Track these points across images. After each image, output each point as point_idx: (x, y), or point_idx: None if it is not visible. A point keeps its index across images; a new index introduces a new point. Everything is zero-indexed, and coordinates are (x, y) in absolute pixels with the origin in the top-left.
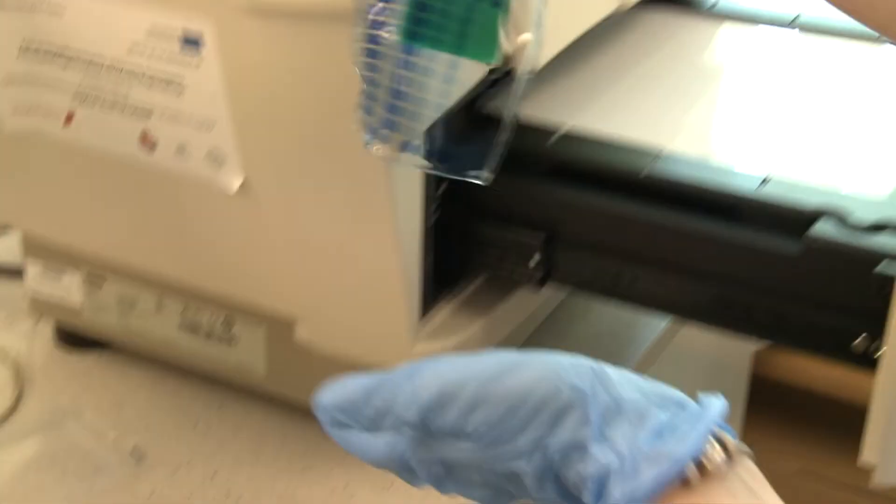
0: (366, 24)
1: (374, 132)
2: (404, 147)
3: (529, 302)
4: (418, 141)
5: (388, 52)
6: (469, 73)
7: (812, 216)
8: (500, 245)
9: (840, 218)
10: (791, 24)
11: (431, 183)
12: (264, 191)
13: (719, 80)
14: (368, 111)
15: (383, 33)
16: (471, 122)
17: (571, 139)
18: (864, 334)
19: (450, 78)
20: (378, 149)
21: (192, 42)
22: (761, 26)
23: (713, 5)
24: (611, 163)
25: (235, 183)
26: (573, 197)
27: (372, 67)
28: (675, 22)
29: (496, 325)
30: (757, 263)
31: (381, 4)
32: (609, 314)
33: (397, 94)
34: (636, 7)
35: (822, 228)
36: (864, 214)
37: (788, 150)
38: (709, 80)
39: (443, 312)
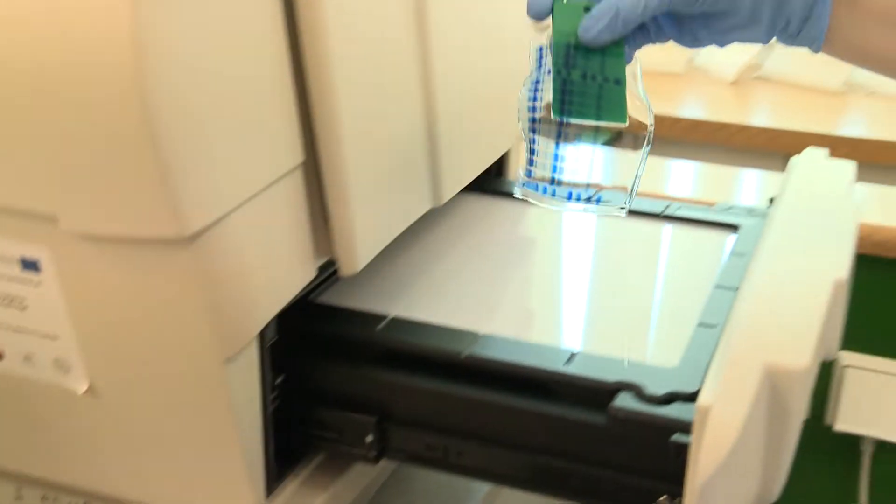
0: (527, 106)
1: (531, 185)
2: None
3: (371, 470)
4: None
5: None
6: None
7: (613, 390)
8: (337, 427)
9: (637, 391)
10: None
11: (269, 375)
12: (110, 392)
13: (531, 258)
14: (529, 169)
15: (538, 113)
16: (303, 312)
17: (398, 325)
18: (665, 495)
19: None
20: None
21: (30, 265)
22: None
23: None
24: (434, 347)
25: (82, 387)
26: (401, 381)
27: (532, 137)
28: (490, 205)
29: (340, 497)
30: (568, 434)
31: (534, 93)
32: None
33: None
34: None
35: (622, 401)
36: (658, 387)
37: (593, 324)
38: (522, 259)
39: (288, 490)
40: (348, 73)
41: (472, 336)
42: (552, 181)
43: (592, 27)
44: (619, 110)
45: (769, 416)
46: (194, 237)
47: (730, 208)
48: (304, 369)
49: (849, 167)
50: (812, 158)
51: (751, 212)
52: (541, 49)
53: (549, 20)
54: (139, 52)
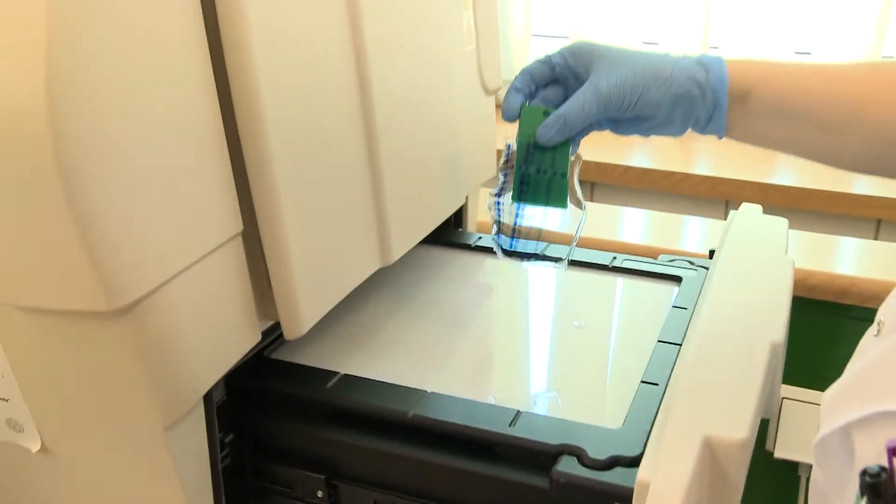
0: (493, 195)
1: (503, 251)
2: (525, 258)
3: None
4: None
5: (506, 207)
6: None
7: (556, 453)
8: (289, 483)
9: (579, 455)
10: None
11: (217, 434)
12: (62, 452)
13: (483, 312)
14: (498, 240)
15: (503, 199)
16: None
17: (348, 383)
18: None
19: (543, 219)
20: (504, 257)
21: None
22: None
23: (477, 240)
24: (381, 407)
25: (35, 446)
26: (350, 439)
27: (497, 215)
28: (447, 257)
29: None
30: (513, 496)
31: (501, 181)
32: None
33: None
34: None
35: (565, 466)
36: (600, 451)
37: (540, 380)
38: (475, 313)
39: None
40: (285, 138)
41: (419, 395)
42: (511, 239)
43: (546, 131)
44: (563, 198)
45: (710, 485)
46: (127, 309)
47: (672, 260)
48: (256, 426)
49: (782, 224)
50: (748, 214)
51: (692, 264)
52: (509, 147)
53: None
54: (56, 123)
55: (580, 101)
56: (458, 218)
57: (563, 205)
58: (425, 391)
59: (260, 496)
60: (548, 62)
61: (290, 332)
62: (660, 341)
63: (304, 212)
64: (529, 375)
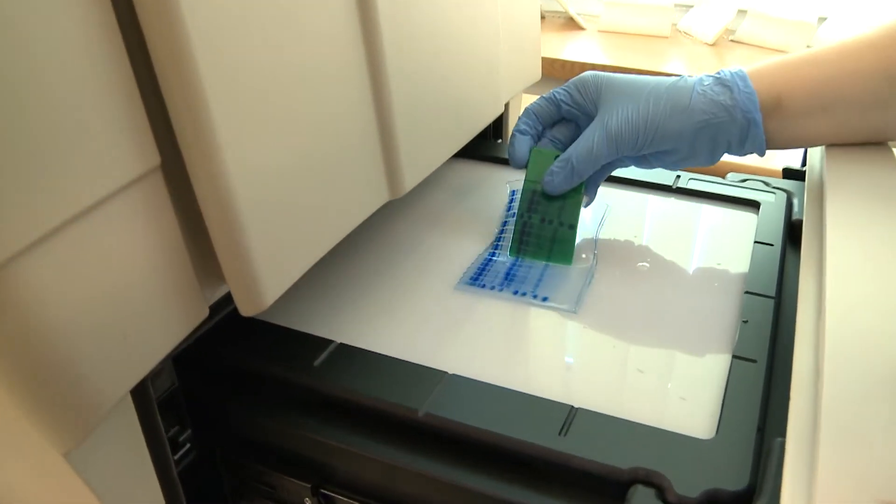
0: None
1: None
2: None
3: None
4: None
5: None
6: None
7: (626, 481)
8: (270, 484)
9: (659, 487)
10: None
11: (161, 434)
12: None
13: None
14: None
15: (498, 257)
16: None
17: (341, 359)
18: None
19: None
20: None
21: None
22: None
23: None
24: (380, 397)
25: None
26: (340, 442)
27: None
28: (481, 175)
29: None
30: None
31: (497, 234)
32: None
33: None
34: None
35: (640, 501)
36: (688, 480)
37: (595, 353)
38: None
39: None
40: (211, 17)
41: (435, 379)
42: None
43: (553, 179)
44: (568, 253)
45: None
46: None
47: (744, 180)
48: (224, 416)
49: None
50: None
51: (768, 185)
52: (513, 192)
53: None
54: None
55: (588, 143)
56: (496, 128)
57: (567, 261)
58: (444, 373)
59: (239, 493)
60: (552, 99)
61: (247, 305)
62: (747, 293)
63: (258, 132)
64: (578, 345)
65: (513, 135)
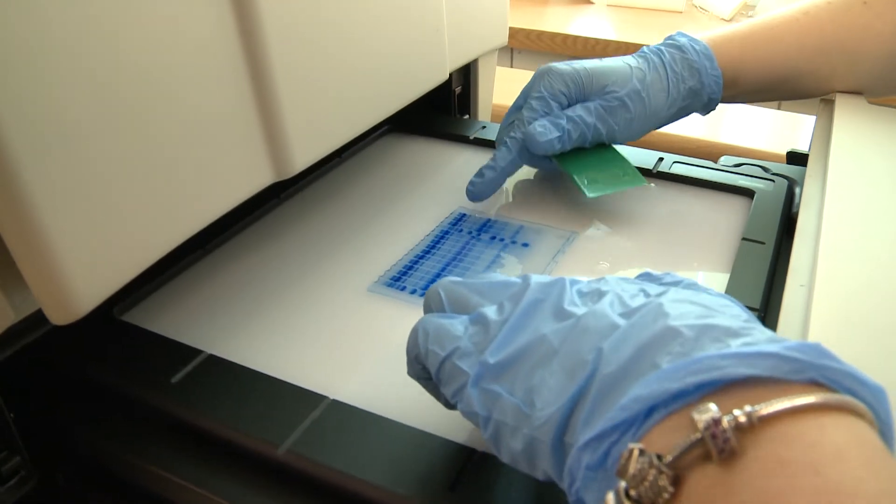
0: None
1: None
2: None
3: None
4: None
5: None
6: None
7: None
8: None
9: None
10: None
11: None
12: None
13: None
14: None
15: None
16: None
17: (206, 375)
18: None
19: None
20: None
21: None
22: None
23: (480, 130)
24: (235, 429)
25: None
26: (192, 480)
27: None
28: (424, 154)
29: None
30: None
31: None
32: None
33: None
34: None
35: None
36: None
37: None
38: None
39: None
40: None
41: (311, 404)
42: None
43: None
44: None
45: None
46: None
47: (739, 165)
48: (60, 438)
49: None
50: (850, 105)
51: (767, 171)
52: (462, 215)
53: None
54: None
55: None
56: (463, 101)
57: (640, 180)
58: (324, 398)
59: None
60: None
61: (56, 314)
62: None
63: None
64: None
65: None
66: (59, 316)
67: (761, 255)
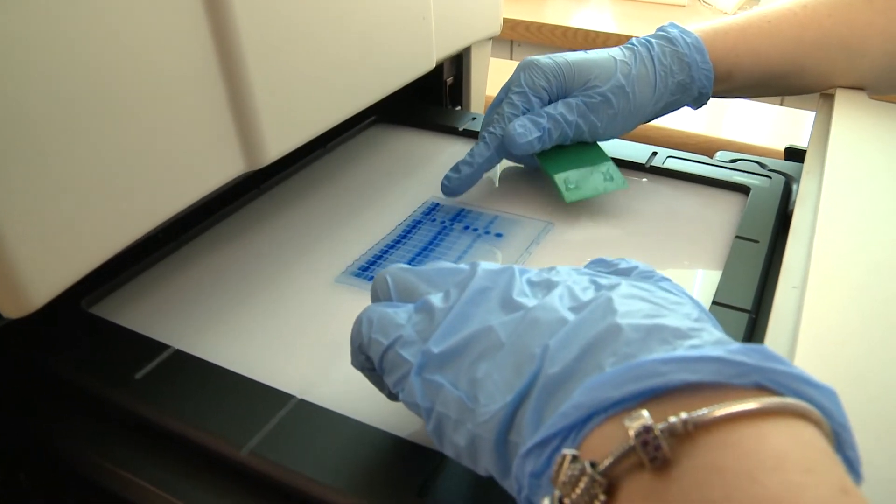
0: None
1: None
2: None
3: None
4: None
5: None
6: None
7: None
8: None
9: None
10: None
11: None
12: None
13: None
14: None
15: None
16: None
17: (171, 370)
18: None
19: None
20: None
21: None
22: None
23: (470, 122)
24: (206, 428)
25: None
26: (154, 482)
27: None
28: (412, 144)
29: None
30: None
31: None
32: None
33: None
34: None
35: None
36: None
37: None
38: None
39: None
40: None
41: (278, 403)
42: None
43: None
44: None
45: None
46: None
47: (735, 160)
48: (22, 433)
49: None
50: (850, 101)
51: (764, 168)
52: (435, 205)
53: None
54: None
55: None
56: (455, 92)
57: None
58: (291, 397)
59: None
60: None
61: (8, 307)
62: (716, 303)
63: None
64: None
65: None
66: (12, 308)
67: (755, 254)
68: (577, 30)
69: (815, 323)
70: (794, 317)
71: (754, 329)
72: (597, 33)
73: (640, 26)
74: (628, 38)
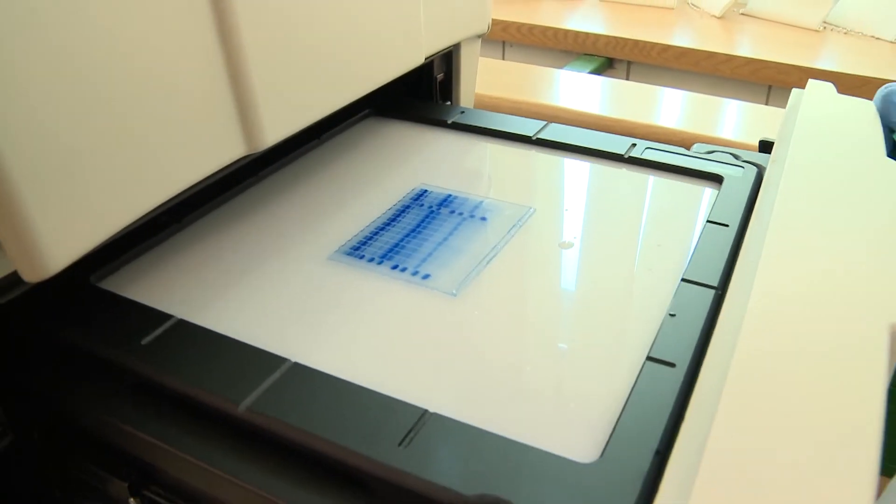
0: None
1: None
2: None
3: None
4: None
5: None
6: None
7: None
8: (89, 484)
9: None
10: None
11: None
12: None
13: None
14: None
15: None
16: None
17: (174, 339)
18: None
19: None
20: None
21: None
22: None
23: (459, 115)
24: (198, 386)
25: None
26: (154, 435)
27: None
28: (402, 137)
29: None
30: None
31: None
32: None
33: None
34: None
35: None
36: None
37: (476, 353)
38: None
39: None
40: None
41: (272, 365)
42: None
43: None
44: None
45: None
46: None
47: (711, 152)
48: (34, 392)
49: (869, 109)
50: (819, 93)
51: (737, 158)
52: (423, 191)
53: None
54: None
55: None
56: (445, 86)
57: None
58: (285, 360)
59: (66, 487)
60: None
61: (28, 271)
62: (685, 280)
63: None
64: (449, 336)
65: None
66: (31, 273)
67: (724, 237)
68: (567, 31)
69: (767, 292)
70: (748, 289)
71: (720, 304)
72: (587, 34)
73: (630, 28)
74: (618, 39)
